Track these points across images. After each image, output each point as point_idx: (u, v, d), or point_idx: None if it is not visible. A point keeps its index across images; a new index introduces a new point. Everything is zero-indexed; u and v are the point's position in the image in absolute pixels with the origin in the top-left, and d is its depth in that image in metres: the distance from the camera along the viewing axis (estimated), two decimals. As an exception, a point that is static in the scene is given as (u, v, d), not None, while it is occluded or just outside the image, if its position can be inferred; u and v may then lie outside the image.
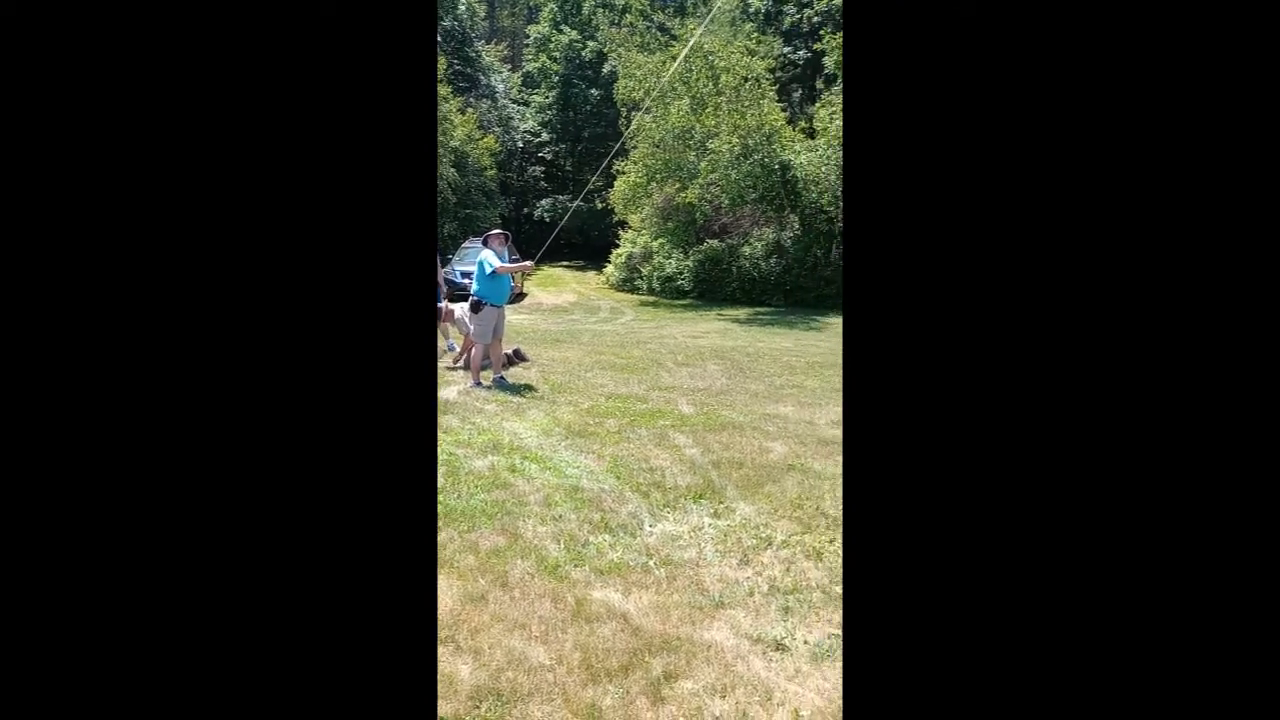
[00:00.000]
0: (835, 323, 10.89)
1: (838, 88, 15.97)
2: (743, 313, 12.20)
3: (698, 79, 13.30)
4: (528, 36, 28.20)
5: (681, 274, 15.12)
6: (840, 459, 3.78)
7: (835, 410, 4.93)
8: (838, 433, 4.32)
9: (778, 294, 13.67)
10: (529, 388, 5.46)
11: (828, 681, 1.82)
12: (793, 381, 6.08)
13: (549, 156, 26.73)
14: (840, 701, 1.74)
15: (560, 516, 2.91)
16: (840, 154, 12.93)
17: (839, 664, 1.90)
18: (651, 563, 2.51)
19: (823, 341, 8.79)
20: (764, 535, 2.75)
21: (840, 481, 3.40)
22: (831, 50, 18.10)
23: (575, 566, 2.46)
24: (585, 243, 23.58)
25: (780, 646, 1.98)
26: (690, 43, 11.82)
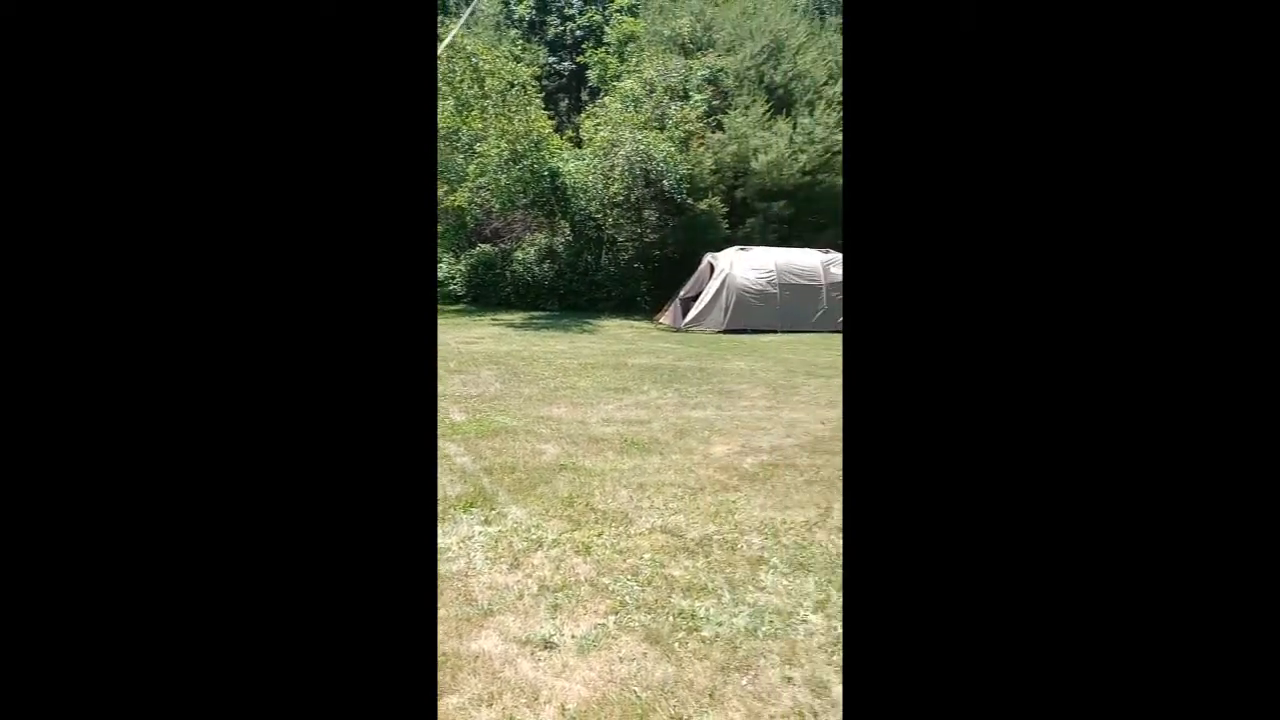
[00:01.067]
0: (608, 325, 11.31)
1: (601, 99, 16.63)
2: (518, 317, 12.14)
3: (462, 80, 12.97)
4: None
5: (453, 278, 14.63)
6: (609, 454, 3.94)
7: (606, 409, 5.11)
8: (609, 430, 4.48)
9: (552, 299, 13.82)
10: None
11: (593, 671, 1.87)
12: (566, 383, 6.18)
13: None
14: (605, 690, 1.80)
15: (311, 544, 2.64)
16: (606, 164, 13.46)
17: (605, 652, 1.96)
18: (416, 580, 2.38)
19: (596, 344, 9.07)
20: (535, 537, 2.76)
21: (608, 477, 3.54)
22: (594, 64, 18.80)
23: (328, 596, 2.24)
24: (345, 246, 21.75)
25: (548, 645, 1.99)
26: (447, 40, 11.48)
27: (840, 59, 17.53)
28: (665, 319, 11.88)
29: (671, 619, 2.14)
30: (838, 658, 1.95)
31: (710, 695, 1.78)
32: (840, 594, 2.32)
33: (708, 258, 11.91)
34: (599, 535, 2.79)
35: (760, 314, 10.98)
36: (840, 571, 2.50)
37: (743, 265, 11.20)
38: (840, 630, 2.09)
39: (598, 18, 21.13)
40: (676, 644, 2.01)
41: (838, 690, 1.81)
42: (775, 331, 10.74)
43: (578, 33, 21.73)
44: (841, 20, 20.54)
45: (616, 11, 20.24)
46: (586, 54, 18.43)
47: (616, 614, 2.17)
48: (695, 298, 11.55)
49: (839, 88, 16.60)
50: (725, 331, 10.71)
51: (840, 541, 2.77)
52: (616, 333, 10.47)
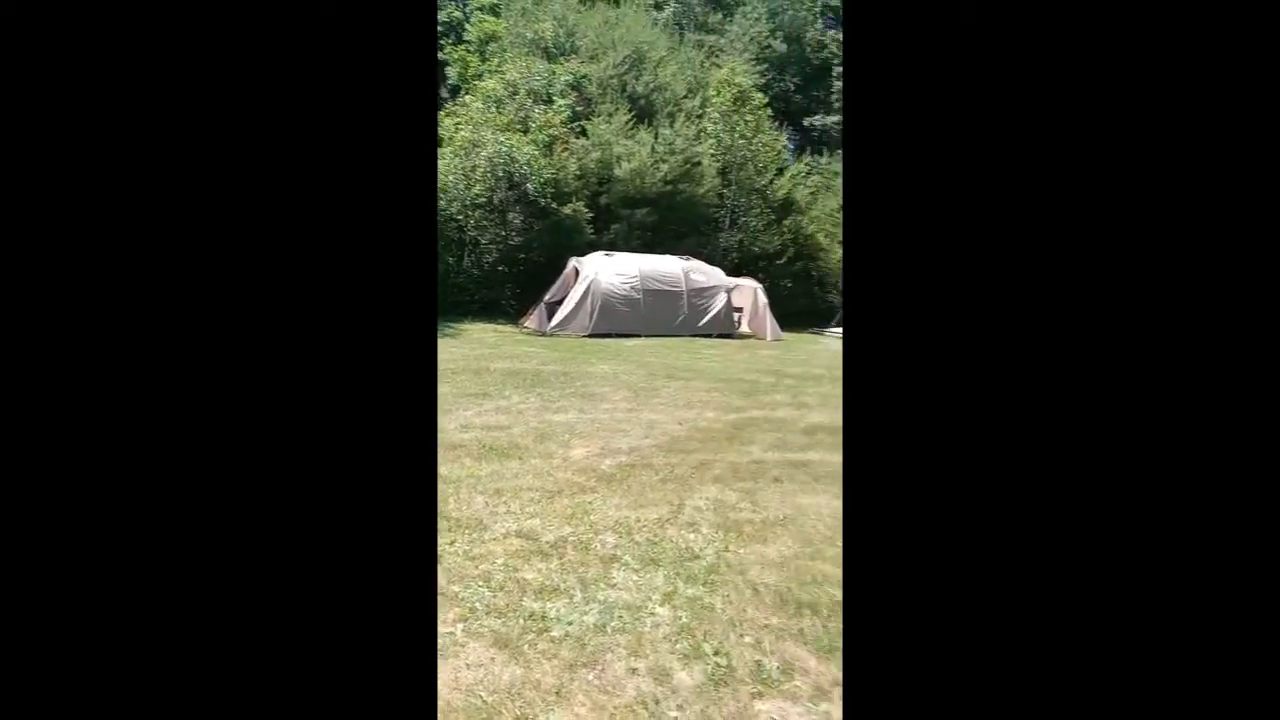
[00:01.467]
0: (469, 329, 11.04)
1: (462, 98, 16.21)
2: (373, 322, 11.55)
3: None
4: None
5: (300, 280, 13.66)
6: (466, 461, 3.86)
7: (465, 414, 5.00)
8: (465, 436, 4.39)
9: (411, 302, 13.29)
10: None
11: (446, 674, 1.84)
12: (423, 390, 5.97)
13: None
14: (449, 698, 1.78)
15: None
16: (467, 164, 13.14)
17: (451, 660, 1.93)
18: (245, 603, 2.21)
19: (456, 348, 8.82)
20: (382, 549, 2.65)
21: (464, 483, 3.47)
22: (454, 61, 18.28)
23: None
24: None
25: (392, 658, 1.93)
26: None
27: (697, 75, 18.24)
28: (531, 323, 11.79)
29: (522, 622, 2.15)
30: (680, 645, 2.05)
31: (557, 693, 1.81)
32: (686, 585, 2.44)
33: (573, 262, 11.97)
34: (451, 543, 2.74)
35: (624, 318, 11.20)
36: (688, 564, 2.63)
37: (608, 270, 11.36)
38: (684, 620, 2.20)
39: (457, 14, 20.59)
40: (526, 646, 2.02)
41: (679, 676, 1.90)
42: (639, 336, 10.99)
43: (436, 27, 21.01)
44: (699, 38, 21.37)
45: (477, 9, 19.84)
46: (446, 50, 17.89)
47: (465, 621, 2.14)
48: (561, 302, 11.56)
49: (697, 101, 17.30)
50: (590, 335, 10.82)
51: (690, 536, 2.91)
52: (479, 336, 10.26)
